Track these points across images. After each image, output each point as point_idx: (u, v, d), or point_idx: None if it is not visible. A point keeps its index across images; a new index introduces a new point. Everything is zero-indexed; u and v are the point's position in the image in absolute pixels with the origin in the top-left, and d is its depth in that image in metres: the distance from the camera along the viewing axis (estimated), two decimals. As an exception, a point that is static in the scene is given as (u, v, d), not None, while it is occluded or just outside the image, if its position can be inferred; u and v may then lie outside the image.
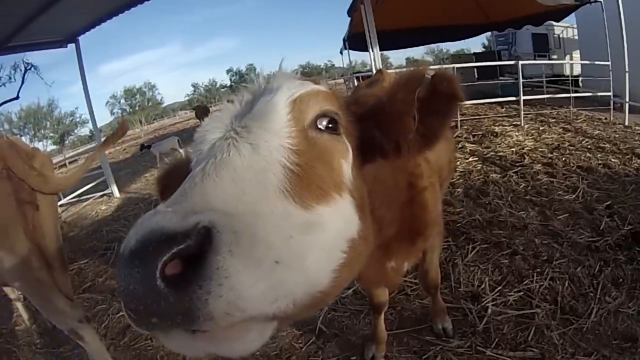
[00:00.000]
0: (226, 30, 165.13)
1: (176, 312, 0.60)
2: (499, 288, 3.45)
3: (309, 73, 75.43)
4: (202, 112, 15.27)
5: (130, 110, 60.67)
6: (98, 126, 9.42)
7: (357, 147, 1.15)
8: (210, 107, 13.58)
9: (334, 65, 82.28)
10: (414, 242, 1.77)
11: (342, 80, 23.92)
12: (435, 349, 2.92)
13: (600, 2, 8.94)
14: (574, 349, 2.77)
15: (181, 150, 10.36)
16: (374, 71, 8.19)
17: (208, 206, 0.70)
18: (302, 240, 0.80)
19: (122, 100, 61.09)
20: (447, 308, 3.17)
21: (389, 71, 3.31)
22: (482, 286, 3.52)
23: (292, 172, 0.88)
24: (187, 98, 75.40)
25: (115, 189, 8.57)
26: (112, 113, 60.65)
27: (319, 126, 1.03)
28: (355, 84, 12.74)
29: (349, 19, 11.14)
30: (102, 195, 8.34)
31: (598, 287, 3.33)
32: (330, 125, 1.05)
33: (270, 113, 0.97)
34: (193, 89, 77.03)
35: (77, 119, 53.09)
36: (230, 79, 76.58)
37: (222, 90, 74.45)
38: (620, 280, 3.40)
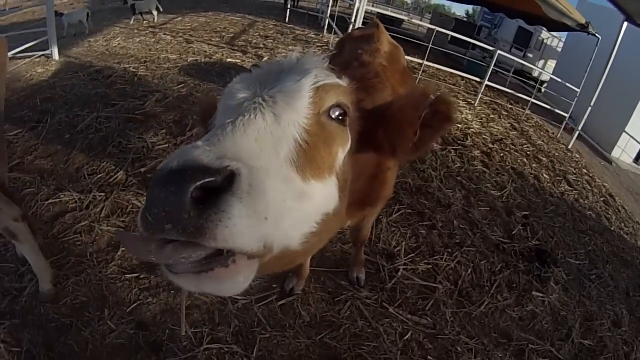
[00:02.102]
0: None
1: (191, 224, 0.72)
2: (412, 255, 3.74)
3: None
4: None
5: None
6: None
7: (355, 140, 1.30)
8: None
9: None
10: (363, 209, 1.99)
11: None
12: (347, 294, 3.18)
13: (598, 38, 9.16)
14: (461, 329, 3.16)
15: (87, 24, 10.30)
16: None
17: (236, 155, 0.84)
18: (290, 205, 0.96)
19: None
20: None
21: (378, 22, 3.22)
22: (398, 248, 3.78)
23: (300, 147, 1.04)
24: None
25: (55, 51, 7.55)
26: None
27: (331, 115, 1.17)
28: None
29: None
30: (40, 56, 7.45)
31: (494, 284, 3.72)
32: (340, 117, 1.20)
33: (296, 92, 1.09)
34: None
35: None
36: None
37: None
38: (514, 285, 3.81)
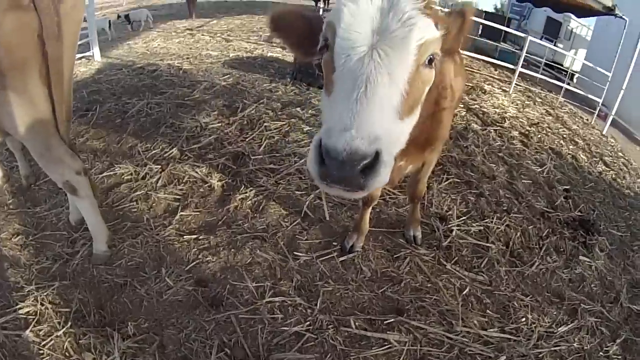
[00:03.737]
0: None
1: (358, 185, 1.15)
2: (464, 218, 3.82)
3: None
4: None
5: None
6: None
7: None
8: None
9: None
10: (424, 149, 2.31)
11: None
12: (406, 251, 3.28)
13: (626, 20, 9.08)
14: (515, 287, 3.24)
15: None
16: None
17: (376, 136, 1.14)
18: (398, 139, 1.39)
19: None
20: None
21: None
22: (450, 212, 3.87)
23: (403, 97, 1.30)
24: None
25: (97, 52, 7.89)
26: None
27: (426, 62, 1.39)
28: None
29: None
30: (81, 57, 7.59)
31: (543, 247, 3.78)
32: (431, 61, 1.42)
33: (405, 50, 1.28)
34: None
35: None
36: None
37: None
38: (562, 249, 3.86)
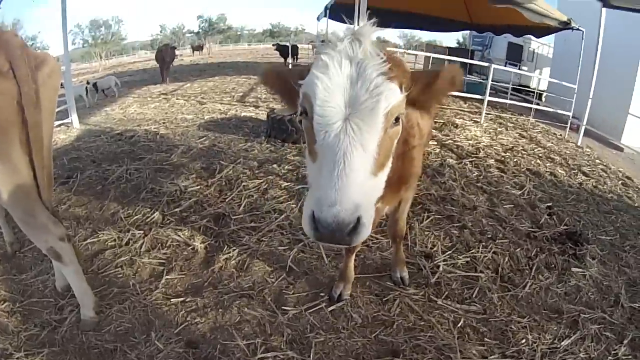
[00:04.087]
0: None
1: (346, 242, 1.39)
2: (449, 252, 3.90)
3: (277, 33, 79.21)
4: (163, 53, 14.91)
5: (92, 42, 57.50)
6: (54, 55, 8.98)
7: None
8: (175, 48, 13.86)
9: (304, 29, 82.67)
10: (398, 188, 2.43)
11: (309, 46, 24.72)
12: (395, 293, 3.33)
13: (582, 31, 9.57)
14: (510, 310, 3.28)
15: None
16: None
17: (356, 204, 1.35)
18: (375, 194, 1.58)
19: (86, 31, 57.69)
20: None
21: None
22: (435, 248, 3.95)
23: (375, 159, 1.47)
24: (151, 38, 72.44)
25: (75, 119, 8.23)
26: (73, 43, 57.30)
27: (392, 122, 1.54)
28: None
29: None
30: (60, 125, 7.87)
31: (533, 267, 3.84)
32: (397, 120, 1.57)
33: (373, 121, 1.45)
34: (160, 29, 74.07)
35: (38, 45, 49.30)
36: (199, 26, 74.78)
37: (189, 35, 72.84)
38: (552, 265, 3.93)
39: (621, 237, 4.74)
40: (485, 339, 2.98)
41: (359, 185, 1.39)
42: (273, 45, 25.98)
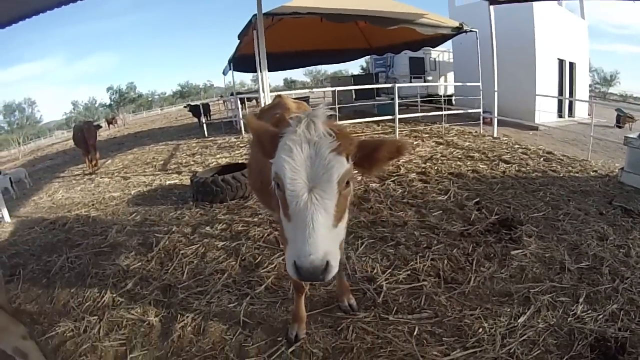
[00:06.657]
0: (107, 45, 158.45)
1: (321, 279, 1.78)
2: (390, 270, 4.10)
3: (187, 92, 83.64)
4: (85, 133, 14.75)
5: (8, 128, 57.43)
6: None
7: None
8: (95, 123, 13.87)
9: (213, 85, 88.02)
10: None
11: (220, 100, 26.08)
12: (347, 321, 3.48)
13: (476, 31, 10.50)
14: (461, 307, 3.51)
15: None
16: (260, 91, 9.31)
17: (325, 253, 1.77)
18: (339, 239, 2.01)
19: (1, 117, 57.46)
20: (349, 289, 3.78)
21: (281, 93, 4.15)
22: (375, 270, 4.13)
23: (334, 215, 1.86)
24: (64, 116, 73.62)
25: (5, 213, 8.06)
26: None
27: (344, 185, 1.93)
28: (238, 103, 14.83)
29: (238, 41, 11.95)
30: None
31: (473, 262, 4.15)
32: (348, 183, 1.96)
33: (330, 189, 1.85)
34: (72, 106, 75.47)
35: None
36: (110, 98, 76.69)
37: (101, 109, 74.34)
38: (492, 255, 4.25)
39: (553, 208, 5.19)
40: (444, 339, 3.17)
41: (325, 237, 1.81)
42: (185, 106, 26.82)
